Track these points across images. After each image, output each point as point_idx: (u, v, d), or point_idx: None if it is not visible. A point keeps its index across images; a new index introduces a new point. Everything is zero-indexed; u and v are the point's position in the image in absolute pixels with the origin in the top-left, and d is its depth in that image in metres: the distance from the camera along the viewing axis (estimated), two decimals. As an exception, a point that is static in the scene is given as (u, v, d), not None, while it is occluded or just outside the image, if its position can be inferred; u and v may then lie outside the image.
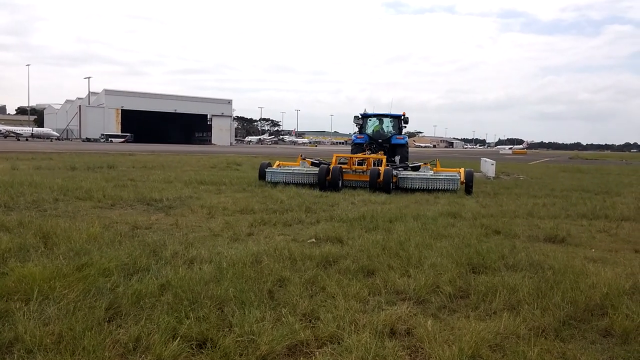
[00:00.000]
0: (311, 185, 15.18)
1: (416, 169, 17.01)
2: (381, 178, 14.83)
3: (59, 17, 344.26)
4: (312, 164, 17.22)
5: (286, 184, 15.40)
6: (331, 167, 15.22)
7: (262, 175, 16.25)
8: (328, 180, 14.78)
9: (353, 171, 16.27)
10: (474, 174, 16.84)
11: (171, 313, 4.31)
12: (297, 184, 15.33)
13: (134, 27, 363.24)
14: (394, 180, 15.38)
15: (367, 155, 17.56)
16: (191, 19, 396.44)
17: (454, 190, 15.10)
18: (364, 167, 16.34)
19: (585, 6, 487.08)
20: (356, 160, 16.81)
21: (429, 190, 15.07)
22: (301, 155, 18.51)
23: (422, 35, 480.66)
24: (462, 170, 16.35)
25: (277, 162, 17.59)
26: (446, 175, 15.92)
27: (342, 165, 16.19)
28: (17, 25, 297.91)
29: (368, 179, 15.16)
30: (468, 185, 15.39)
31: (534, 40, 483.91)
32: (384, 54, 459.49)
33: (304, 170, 16.36)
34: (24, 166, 20.20)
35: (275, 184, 15.44)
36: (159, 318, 4.19)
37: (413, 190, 15.17)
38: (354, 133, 21.81)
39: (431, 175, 16.05)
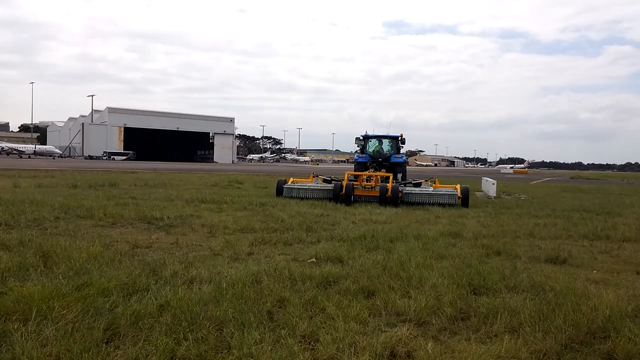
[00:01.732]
0: (327, 200, 16.66)
1: (418, 185, 18.79)
2: (389, 193, 16.48)
3: (64, 36, 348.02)
4: (324, 180, 19.17)
5: (302, 198, 17.02)
6: (344, 183, 17.06)
7: (279, 191, 18.06)
8: (342, 195, 16.56)
9: (363, 187, 17.89)
10: (476, 193, 18.22)
11: (169, 334, 4.28)
12: (312, 199, 16.94)
13: (138, 46, 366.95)
14: (400, 195, 16.87)
15: (376, 173, 19.16)
16: (195, 38, 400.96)
17: (452, 204, 16.82)
18: (372, 183, 17.94)
19: (585, 27, 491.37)
20: (365, 177, 18.43)
21: (431, 204, 16.67)
22: (313, 173, 20.29)
23: (423, 54, 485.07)
24: (458, 186, 18.36)
25: (292, 179, 19.57)
26: (445, 191, 17.88)
27: (353, 182, 17.76)
28: (22, 44, 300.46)
29: (377, 194, 16.95)
30: (465, 199, 17.29)
31: (535, 60, 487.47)
32: (385, 73, 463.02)
33: (319, 186, 18.33)
34: (25, 184, 20.24)
35: (277, 202, 15.59)
36: (157, 339, 4.16)
37: (413, 204, 16.72)
38: (356, 152, 24.20)
39: (432, 190, 17.93)
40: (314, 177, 19.51)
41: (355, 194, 17.21)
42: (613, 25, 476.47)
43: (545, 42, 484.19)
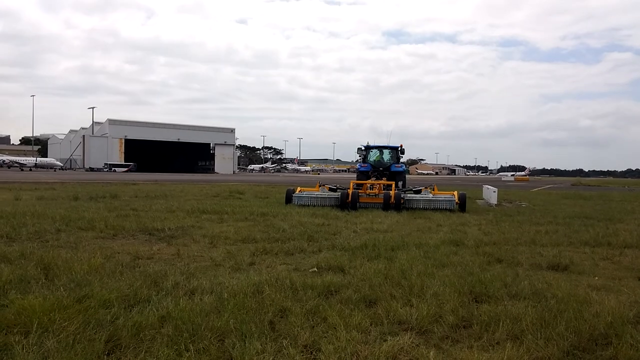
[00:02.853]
0: (334, 207, 17.82)
1: (418, 192, 19.95)
2: (393, 200, 17.79)
3: (65, 49, 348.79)
4: (330, 189, 20.32)
5: (310, 206, 18.05)
6: (350, 191, 18.40)
7: (289, 199, 19.10)
8: (348, 202, 17.83)
9: (367, 194, 19.08)
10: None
11: (171, 345, 4.28)
12: (320, 206, 18.03)
13: (138, 58, 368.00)
14: (402, 201, 17.96)
15: (380, 181, 20.46)
16: (195, 49, 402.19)
17: (451, 209, 17.91)
18: (376, 190, 19.15)
19: (585, 34, 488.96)
20: (369, 185, 19.69)
21: (431, 210, 17.79)
22: (319, 183, 21.63)
23: (423, 63, 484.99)
24: (456, 193, 19.51)
25: (299, 188, 20.66)
26: (444, 197, 19.03)
27: (358, 190, 19.07)
28: (23, 57, 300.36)
29: (380, 201, 18.23)
30: (462, 204, 18.53)
31: (535, 68, 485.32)
32: (386, 83, 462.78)
33: (326, 194, 19.46)
34: (26, 196, 20.28)
35: (278, 212, 15.64)
36: (158, 351, 4.16)
37: (415, 212, 17.21)
38: (357, 161, 26.03)
39: (432, 197, 19.17)
40: (320, 186, 20.83)
41: (360, 201, 18.44)
42: (612, 33, 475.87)
43: (545, 50, 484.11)
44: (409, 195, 19.25)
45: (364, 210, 17.45)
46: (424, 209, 17.94)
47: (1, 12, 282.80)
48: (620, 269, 8.40)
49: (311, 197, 19.17)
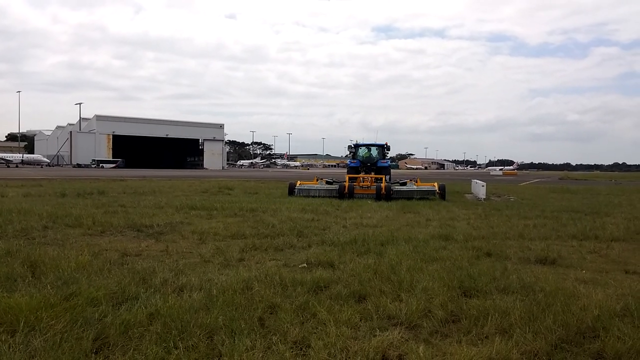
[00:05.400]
0: (332, 197, 20.40)
1: (404, 184, 22.93)
2: (384, 191, 20.64)
3: (52, 44, 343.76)
4: (327, 182, 23.04)
5: (311, 197, 20.71)
6: (346, 184, 21.62)
7: (291, 192, 21.96)
8: (345, 193, 20.89)
9: (360, 187, 22.07)
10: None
11: (160, 343, 4.25)
12: (319, 197, 20.61)
13: (126, 53, 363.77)
14: (391, 192, 20.78)
15: (372, 175, 23.48)
16: (184, 44, 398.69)
17: (432, 198, 21.20)
18: (368, 183, 22.30)
19: (573, 29, 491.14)
20: (361, 178, 22.69)
21: (417, 199, 20.53)
22: (316, 177, 24.65)
23: (413, 59, 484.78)
24: (436, 184, 22.68)
25: (299, 182, 23.28)
26: (426, 188, 22.66)
27: (353, 183, 22.09)
28: (9, 52, 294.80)
29: (373, 192, 21.19)
30: (442, 194, 21.74)
31: (523, 63, 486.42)
32: (375, 78, 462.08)
33: (325, 187, 22.42)
34: (13, 193, 20.04)
35: (267, 208, 15.57)
36: (147, 348, 4.13)
37: (405, 205, 18.09)
38: (347, 156, 29.05)
39: (416, 188, 22.55)
40: (317, 180, 23.56)
41: (355, 192, 21.40)
42: (600, 28, 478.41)
43: (533, 45, 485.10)
44: (397, 187, 22.08)
45: (354, 205, 17.76)
46: (411, 198, 20.72)
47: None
48: (608, 262, 8.49)
49: (312, 189, 22.19)
